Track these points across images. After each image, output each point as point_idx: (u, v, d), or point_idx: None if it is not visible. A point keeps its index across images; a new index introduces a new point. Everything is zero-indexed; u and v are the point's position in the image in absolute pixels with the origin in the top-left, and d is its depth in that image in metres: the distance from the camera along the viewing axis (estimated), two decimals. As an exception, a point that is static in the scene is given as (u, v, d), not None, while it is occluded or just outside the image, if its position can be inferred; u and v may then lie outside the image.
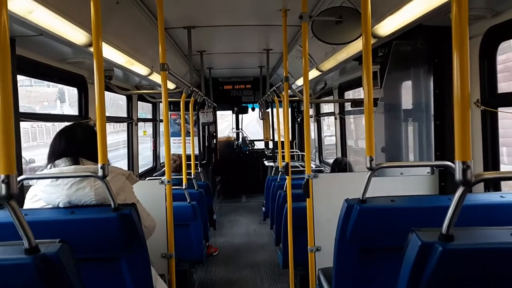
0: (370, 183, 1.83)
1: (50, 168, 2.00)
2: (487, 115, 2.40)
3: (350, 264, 1.92)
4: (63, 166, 1.97)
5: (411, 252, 1.15)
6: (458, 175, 1.08)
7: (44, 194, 1.93)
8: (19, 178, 1.72)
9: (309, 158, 2.82)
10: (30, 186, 2.07)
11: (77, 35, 2.45)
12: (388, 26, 2.55)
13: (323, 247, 2.70)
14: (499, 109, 2.35)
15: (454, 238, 1.10)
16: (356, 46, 3.03)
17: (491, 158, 2.40)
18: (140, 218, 1.89)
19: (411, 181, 2.81)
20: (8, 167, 1.05)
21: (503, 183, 2.50)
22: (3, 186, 1.05)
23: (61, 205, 1.90)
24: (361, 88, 4.73)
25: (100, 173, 1.72)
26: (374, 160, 1.81)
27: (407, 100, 2.99)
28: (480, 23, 2.33)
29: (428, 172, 2.82)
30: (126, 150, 5.51)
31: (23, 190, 2.21)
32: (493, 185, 2.45)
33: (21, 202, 2.10)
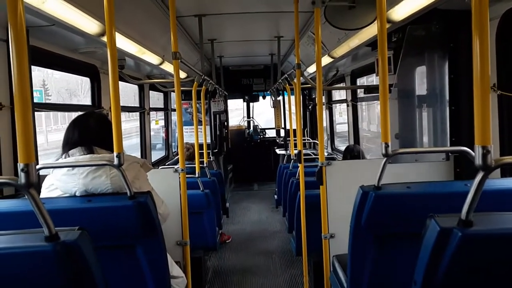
0: (385, 169, 1.82)
1: (65, 157, 2.02)
2: (504, 100, 2.36)
3: (365, 251, 1.91)
4: (78, 156, 1.99)
5: (430, 238, 1.14)
6: (478, 160, 1.07)
7: (60, 183, 1.95)
8: (36, 167, 1.73)
9: (322, 146, 2.80)
10: (46, 176, 2.09)
11: (89, 25, 2.46)
12: (402, 10, 2.51)
13: (337, 234, 2.69)
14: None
15: (473, 224, 1.09)
16: (369, 32, 2.99)
17: (508, 143, 2.37)
18: (155, 206, 1.91)
19: (425, 168, 2.78)
20: (27, 156, 1.06)
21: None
22: (23, 175, 1.06)
23: (77, 194, 1.92)
24: (373, 75, 4.69)
25: (115, 161, 1.73)
26: (390, 146, 1.79)
27: (421, 86, 2.95)
28: (498, 5, 2.27)
29: (443, 158, 2.79)
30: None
31: (39, 179, 2.24)
32: (510, 171, 2.41)
33: (38, 191, 2.12)
